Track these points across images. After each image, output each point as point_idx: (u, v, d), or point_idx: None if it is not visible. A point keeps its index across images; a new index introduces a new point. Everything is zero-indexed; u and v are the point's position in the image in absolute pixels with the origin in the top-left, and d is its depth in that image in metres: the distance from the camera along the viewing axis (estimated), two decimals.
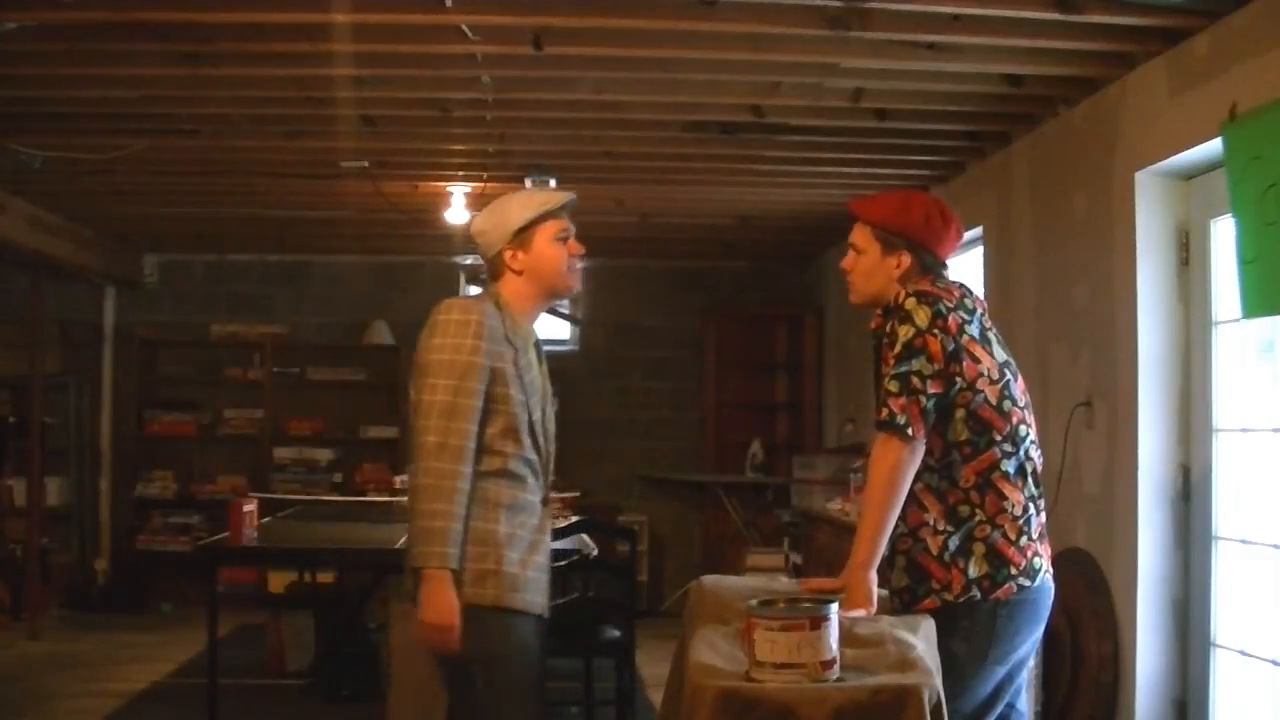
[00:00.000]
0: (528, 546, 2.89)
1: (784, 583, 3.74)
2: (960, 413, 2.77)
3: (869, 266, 2.97)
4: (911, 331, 2.76)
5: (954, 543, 2.77)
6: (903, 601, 2.83)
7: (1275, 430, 3.78)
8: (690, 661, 2.61)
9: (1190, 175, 4.15)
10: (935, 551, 2.78)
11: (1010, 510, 2.78)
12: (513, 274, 3.00)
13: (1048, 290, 5.00)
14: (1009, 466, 2.80)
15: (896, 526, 2.79)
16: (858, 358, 7.85)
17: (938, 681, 2.46)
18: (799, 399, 8.97)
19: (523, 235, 2.96)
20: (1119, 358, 4.30)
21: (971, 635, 2.76)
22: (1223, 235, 3.98)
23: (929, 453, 2.77)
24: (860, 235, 2.99)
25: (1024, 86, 4.64)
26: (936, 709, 2.40)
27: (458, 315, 2.86)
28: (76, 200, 6.97)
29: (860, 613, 2.68)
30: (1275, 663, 3.71)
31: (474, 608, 2.78)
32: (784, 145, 5.57)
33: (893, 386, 2.74)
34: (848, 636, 2.55)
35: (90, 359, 8.87)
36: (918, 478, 2.78)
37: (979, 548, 2.76)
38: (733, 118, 5.14)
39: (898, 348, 2.77)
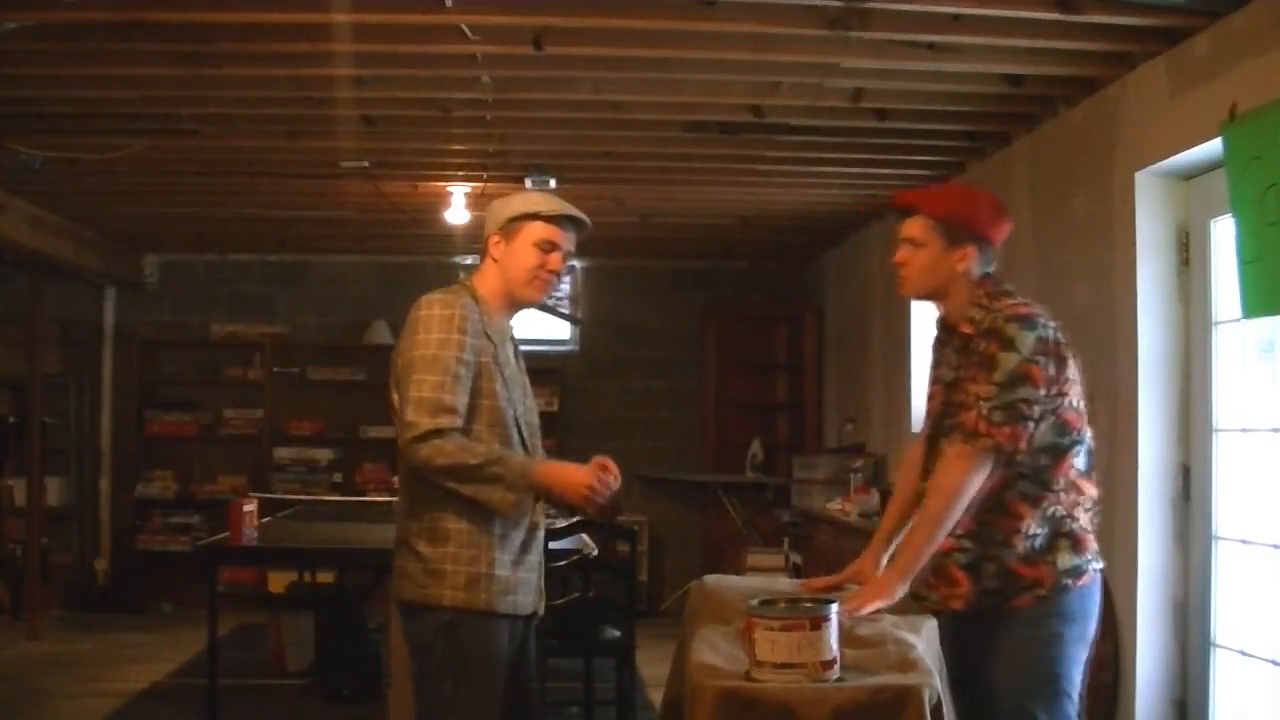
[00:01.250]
0: (519, 546, 2.87)
1: (786, 583, 3.74)
2: (1050, 419, 2.77)
3: (930, 260, 2.88)
4: (1015, 360, 2.73)
5: (1041, 542, 2.77)
6: (991, 602, 2.79)
7: (1275, 430, 3.78)
8: (691, 661, 2.61)
9: (1190, 175, 4.15)
10: (1024, 553, 2.76)
11: (1084, 503, 2.83)
12: (491, 261, 2.95)
13: (1048, 290, 4.99)
14: (1082, 461, 2.83)
15: (991, 534, 2.77)
16: (858, 358, 7.85)
17: (938, 681, 2.46)
18: (799, 399, 8.97)
19: (512, 225, 2.91)
20: (1119, 358, 4.30)
21: (1070, 622, 2.78)
22: (1223, 235, 3.98)
23: (1019, 463, 2.76)
24: (918, 228, 2.89)
25: (1024, 86, 4.64)
26: (937, 709, 2.41)
27: (439, 310, 2.81)
28: (76, 200, 6.97)
29: (876, 606, 2.69)
30: (1275, 663, 3.71)
31: (463, 612, 2.78)
32: (784, 145, 5.57)
33: (998, 417, 2.70)
34: (848, 636, 2.56)
35: (90, 359, 8.87)
36: (1009, 487, 2.76)
37: (1064, 542, 2.78)
38: (733, 118, 5.13)
39: (998, 374, 2.73)
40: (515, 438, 2.88)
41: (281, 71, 4.52)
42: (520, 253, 2.90)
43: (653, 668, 5.65)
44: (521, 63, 4.37)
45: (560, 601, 4.90)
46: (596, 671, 5.06)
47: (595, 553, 4.88)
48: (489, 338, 2.84)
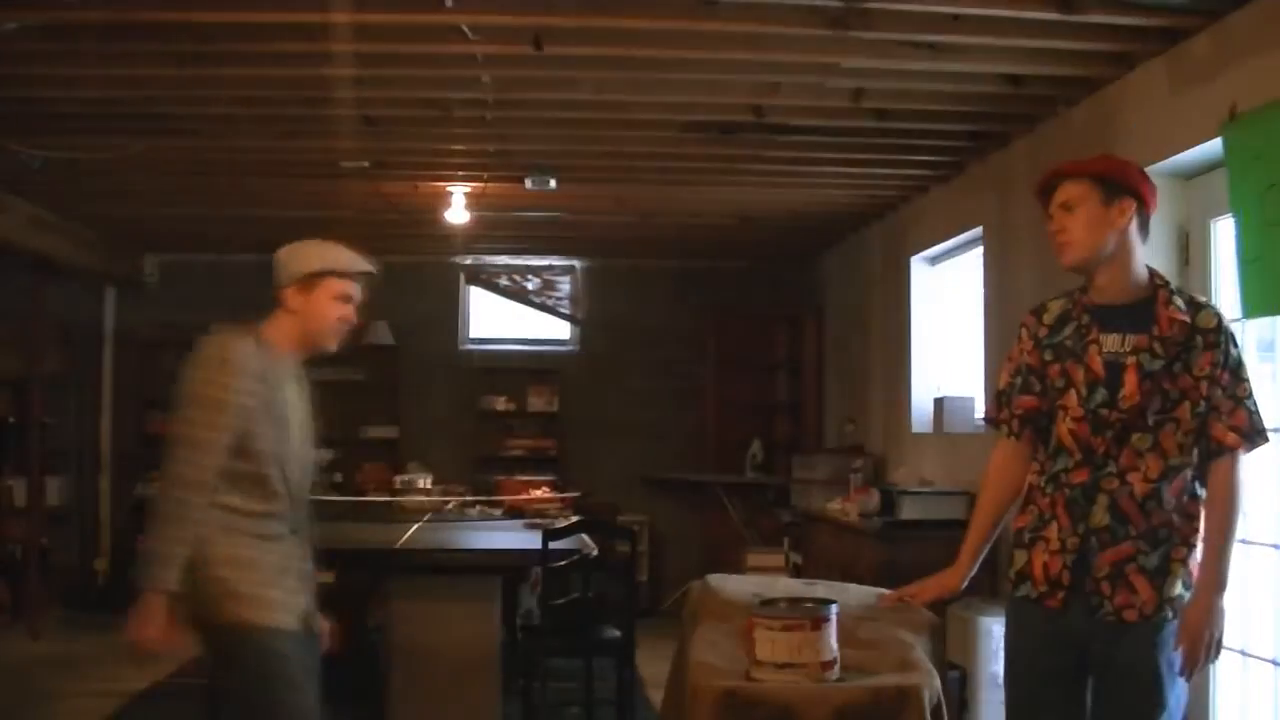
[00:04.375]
0: (277, 570, 3.01)
1: (786, 583, 3.73)
2: None
3: (1089, 218, 2.75)
4: (1239, 353, 2.75)
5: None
6: (1166, 612, 2.67)
7: (1275, 430, 3.77)
8: (691, 661, 2.61)
9: (1190, 175, 4.15)
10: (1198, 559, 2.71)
11: None
12: (287, 312, 3.12)
13: (1048, 290, 4.96)
14: None
15: (1171, 536, 2.67)
16: (858, 358, 7.85)
17: (937, 682, 2.46)
18: (799, 399, 8.96)
19: (310, 280, 3.10)
20: None
21: None
22: (1223, 235, 3.98)
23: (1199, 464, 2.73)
24: (1073, 190, 2.78)
25: (1024, 86, 4.64)
26: (937, 709, 2.41)
27: (214, 352, 2.97)
28: (76, 200, 6.97)
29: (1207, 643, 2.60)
30: (1275, 663, 3.71)
31: (224, 626, 2.93)
32: (784, 145, 5.57)
33: (1260, 420, 2.70)
34: (848, 637, 2.56)
35: (90, 359, 8.86)
36: (1186, 490, 2.71)
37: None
38: (733, 118, 5.13)
39: (1244, 372, 2.72)
40: (276, 476, 3.00)
41: (281, 71, 4.52)
42: (320, 306, 3.12)
43: (653, 668, 5.65)
44: (521, 63, 4.37)
45: (560, 601, 4.91)
46: (596, 671, 5.06)
47: (595, 553, 4.88)
48: (266, 379, 3.00)
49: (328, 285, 3.12)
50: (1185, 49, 3.95)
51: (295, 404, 3.11)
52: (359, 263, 3.18)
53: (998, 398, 2.97)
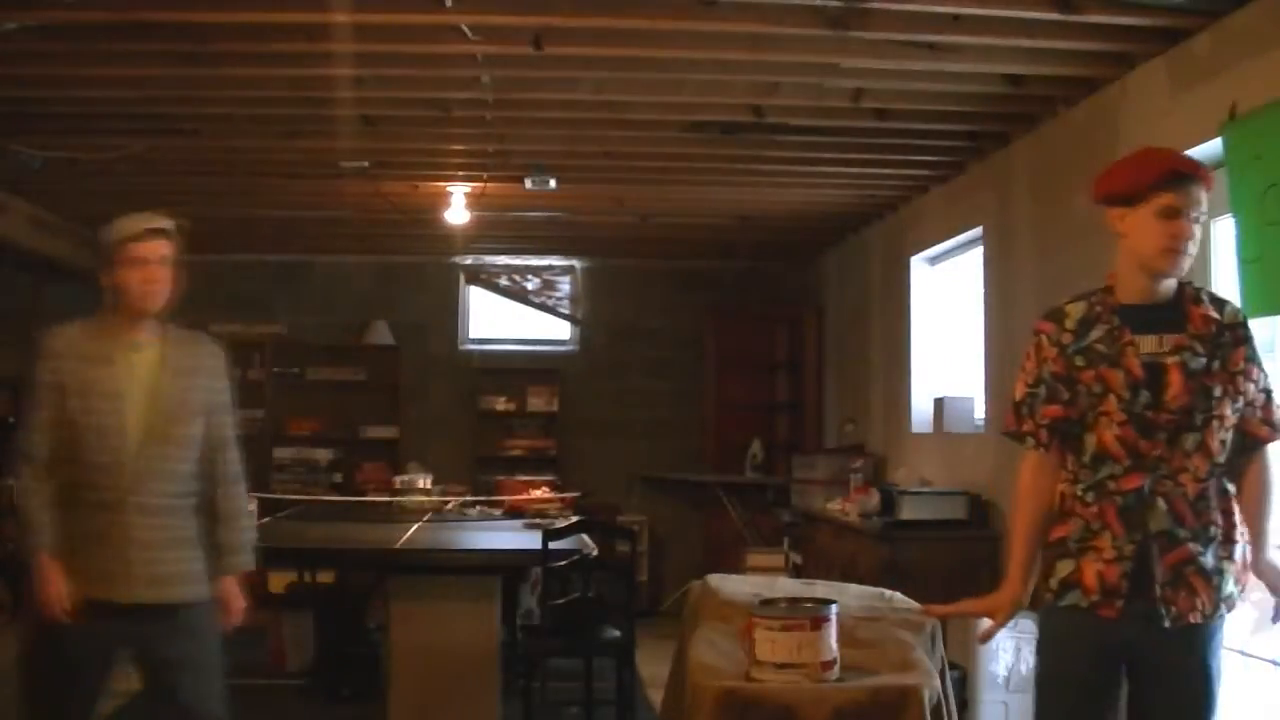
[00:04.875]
0: (97, 540, 3.10)
1: (786, 583, 3.72)
2: None
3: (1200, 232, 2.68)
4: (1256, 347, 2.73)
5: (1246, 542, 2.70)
6: (1223, 612, 2.66)
7: None
8: (691, 661, 2.61)
9: None
10: (1242, 556, 2.68)
11: None
12: (108, 291, 3.31)
13: (1048, 290, 4.99)
14: None
15: (1216, 534, 2.64)
16: (858, 358, 7.85)
17: (937, 682, 2.46)
18: (799, 399, 8.96)
19: (110, 257, 3.31)
20: None
21: None
22: (1223, 235, 3.98)
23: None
24: (1202, 198, 2.67)
25: (1024, 86, 4.64)
26: (937, 709, 2.41)
27: (40, 342, 3.25)
28: (76, 200, 6.96)
29: None
30: (1275, 663, 3.71)
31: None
32: (784, 145, 5.57)
33: None
34: (848, 637, 2.56)
35: None
36: (1223, 486, 2.69)
37: None
38: (733, 118, 5.13)
39: (1264, 366, 2.71)
40: (93, 446, 3.11)
41: (281, 71, 4.52)
42: (124, 277, 3.28)
43: (653, 668, 5.64)
44: (521, 63, 4.37)
45: (560, 601, 4.91)
46: (596, 671, 5.06)
47: (595, 553, 4.88)
48: (85, 359, 3.21)
49: (124, 254, 3.27)
50: (1185, 49, 3.95)
51: (130, 377, 3.20)
52: (142, 222, 3.32)
53: (1016, 410, 2.83)
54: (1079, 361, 2.71)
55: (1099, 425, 2.67)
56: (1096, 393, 2.67)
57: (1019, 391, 2.83)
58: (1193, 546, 2.61)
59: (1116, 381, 2.65)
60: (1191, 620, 2.61)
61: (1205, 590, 2.61)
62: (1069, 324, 2.75)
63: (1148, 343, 2.65)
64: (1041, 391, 2.76)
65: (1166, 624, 2.59)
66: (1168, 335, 2.65)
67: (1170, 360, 2.63)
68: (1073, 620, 2.68)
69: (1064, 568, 2.70)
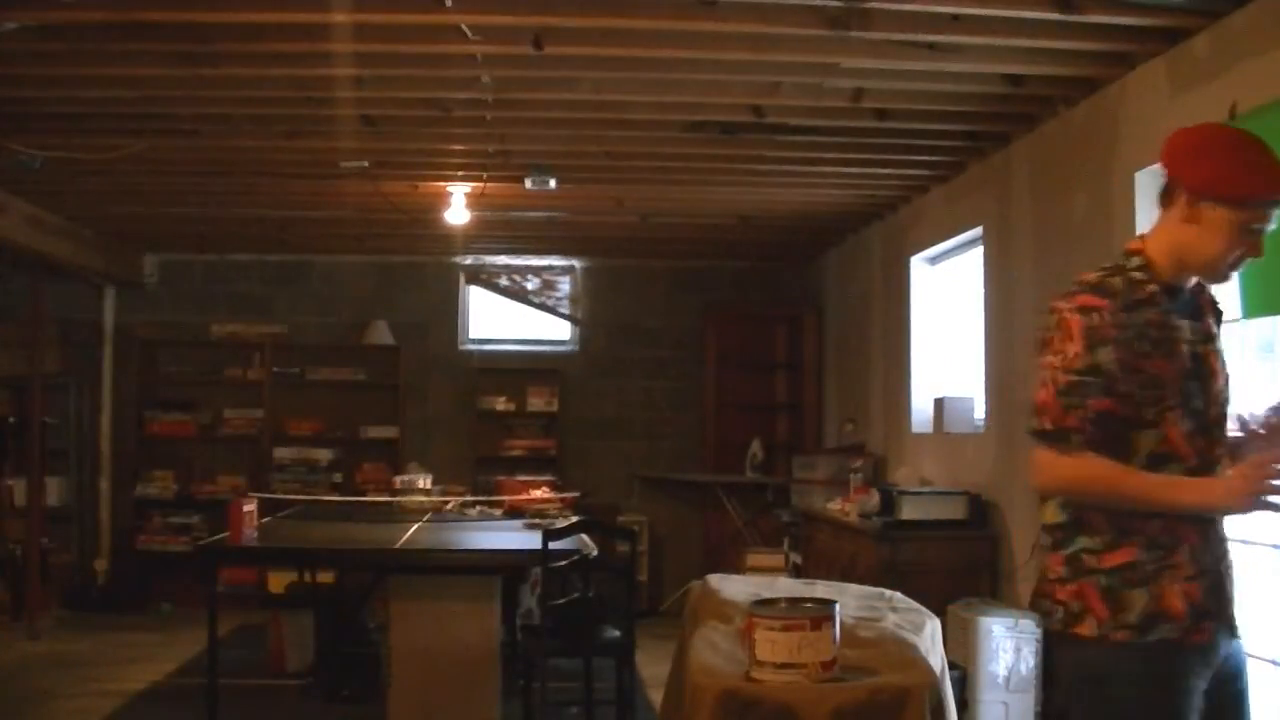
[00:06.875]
0: None
1: (785, 583, 3.73)
2: None
3: None
4: None
5: None
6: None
7: None
8: (691, 661, 2.62)
9: None
10: None
11: None
12: None
13: (1048, 290, 4.98)
14: None
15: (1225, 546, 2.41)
16: (858, 358, 7.86)
17: (937, 682, 2.46)
18: (799, 399, 8.96)
19: None
20: None
21: None
22: None
23: None
24: None
25: (1024, 86, 4.64)
26: (937, 709, 2.41)
27: None
28: (76, 200, 6.97)
29: None
30: (1275, 663, 3.71)
31: None
32: (784, 145, 5.57)
33: None
34: (848, 637, 2.56)
35: (90, 359, 8.86)
36: None
37: None
38: (733, 118, 5.14)
39: None
40: None
41: (281, 71, 4.52)
42: None
43: (653, 668, 5.65)
44: (521, 63, 4.37)
45: (560, 601, 4.91)
46: (596, 671, 5.06)
47: (595, 553, 4.88)
48: None
49: None
50: (1185, 49, 3.95)
51: None
52: None
53: (1058, 401, 2.32)
54: (1144, 346, 2.31)
55: (1165, 421, 2.31)
56: (1160, 384, 2.31)
57: (1059, 380, 2.32)
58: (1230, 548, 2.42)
59: (1173, 370, 2.32)
60: (1237, 625, 2.42)
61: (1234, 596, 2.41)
62: (1120, 300, 2.34)
63: (1187, 329, 2.37)
64: (1094, 380, 2.29)
65: (1239, 638, 2.39)
66: (1195, 322, 2.41)
67: (1204, 348, 2.39)
68: (1166, 657, 2.29)
69: (1138, 599, 2.29)
